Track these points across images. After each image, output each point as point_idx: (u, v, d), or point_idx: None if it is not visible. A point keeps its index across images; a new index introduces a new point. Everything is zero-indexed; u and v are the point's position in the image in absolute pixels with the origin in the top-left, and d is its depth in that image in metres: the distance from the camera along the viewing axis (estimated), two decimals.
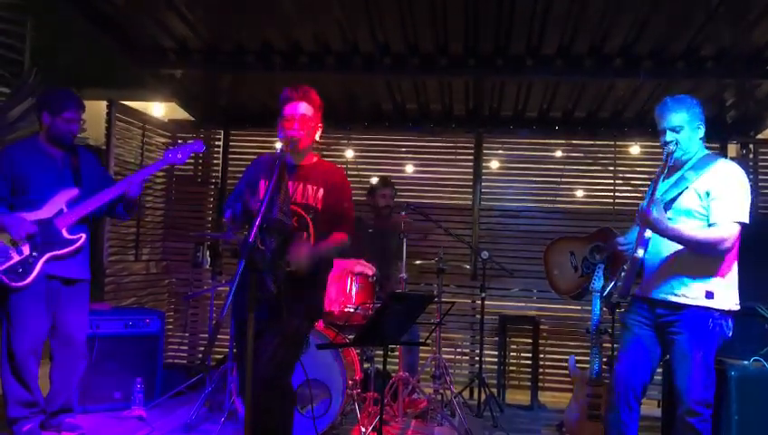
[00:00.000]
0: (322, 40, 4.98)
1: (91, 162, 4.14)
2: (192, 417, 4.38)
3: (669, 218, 3.00)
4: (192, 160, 6.40)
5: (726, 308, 3.01)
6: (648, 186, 3.20)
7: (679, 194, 3.07)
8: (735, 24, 4.42)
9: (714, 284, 3.00)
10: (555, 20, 4.45)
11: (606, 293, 3.51)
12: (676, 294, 3.03)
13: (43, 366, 3.94)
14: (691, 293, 3.00)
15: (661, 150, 3.16)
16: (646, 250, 3.06)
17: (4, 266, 3.67)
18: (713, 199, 2.98)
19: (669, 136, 3.10)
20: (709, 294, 2.99)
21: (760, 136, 5.87)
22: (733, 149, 5.91)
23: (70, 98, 3.96)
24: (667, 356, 3.15)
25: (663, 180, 3.14)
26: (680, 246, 3.02)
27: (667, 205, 3.05)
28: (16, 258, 3.72)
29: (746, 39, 4.57)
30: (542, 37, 4.70)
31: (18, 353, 3.76)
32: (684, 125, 3.09)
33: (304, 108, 3.07)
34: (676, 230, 2.95)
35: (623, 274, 3.21)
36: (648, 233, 3.05)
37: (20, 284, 3.71)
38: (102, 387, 4.56)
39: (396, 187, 5.56)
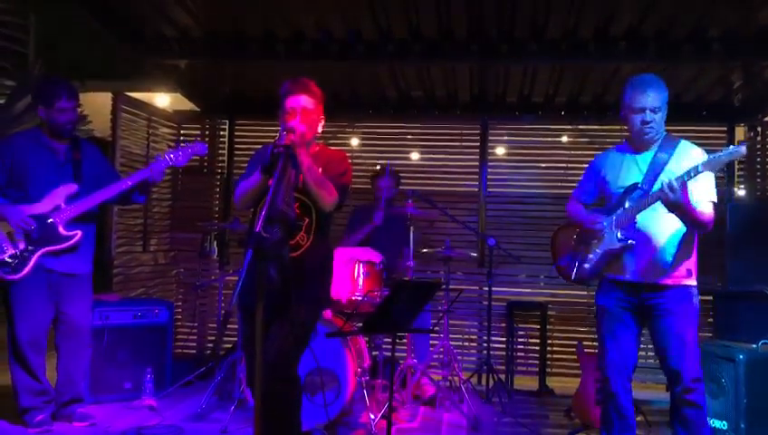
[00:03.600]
0: (325, 27, 4.95)
1: (95, 157, 4.12)
2: (202, 406, 4.41)
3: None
4: None
5: (696, 284, 3.13)
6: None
7: (656, 178, 3.07)
8: (742, 6, 4.37)
9: (691, 262, 3.12)
10: (559, 3, 4.42)
11: (574, 275, 3.47)
12: (663, 276, 3.08)
13: (50, 358, 3.97)
14: (675, 272, 3.09)
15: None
16: (635, 238, 3.11)
17: None
18: (693, 181, 2.92)
19: (649, 116, 3.08)
20: (689, 272, 3.11)
21: (767, 118, 5.83)
22: (740, 131, 5.86)
23: (59, 87, 3.89)
24: (646, 331, 3.21)
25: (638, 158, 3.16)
26: (665, 230, 3.07)
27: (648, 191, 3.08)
28: (11, 252, 3.74)
29: (753, 20, 4.52)
30: (547, 21, 4.67)
31: (21, 344, 3.80)
32: (662, 107, 3.10)
33: (305, 100, 3.05)
34: (690, 207, 2.93)
35: (591, 256, 3.25)
36: (639, 219, 3.08)
37: (13, 277, 3.73)
38: (113, 377, 4.60)
39: (401, 174, 5.55)
